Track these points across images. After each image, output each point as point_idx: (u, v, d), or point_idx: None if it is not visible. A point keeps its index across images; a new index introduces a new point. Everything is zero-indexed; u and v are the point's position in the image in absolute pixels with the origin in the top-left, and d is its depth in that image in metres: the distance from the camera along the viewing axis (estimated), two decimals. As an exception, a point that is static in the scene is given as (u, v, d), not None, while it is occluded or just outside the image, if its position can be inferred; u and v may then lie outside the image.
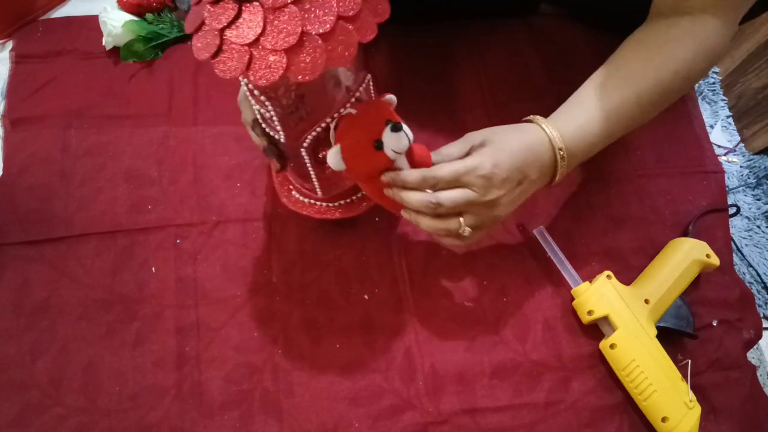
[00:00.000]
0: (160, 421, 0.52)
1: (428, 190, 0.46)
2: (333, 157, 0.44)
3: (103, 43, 0.68)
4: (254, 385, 0.54)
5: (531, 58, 0.72)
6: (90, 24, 0.70)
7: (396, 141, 0.44)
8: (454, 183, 0.46)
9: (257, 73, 0.35)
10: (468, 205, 0.46)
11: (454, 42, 0.72)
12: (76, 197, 0.61)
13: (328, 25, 0.35)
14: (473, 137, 0.48)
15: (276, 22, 0.35)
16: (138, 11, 0.70)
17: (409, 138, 0.44)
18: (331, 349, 0.56)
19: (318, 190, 0.53)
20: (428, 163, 0.48)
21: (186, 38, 0.71)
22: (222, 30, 0.35)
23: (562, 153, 0.48)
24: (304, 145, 0.46)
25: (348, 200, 0.56)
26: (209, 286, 0.58)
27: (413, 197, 0.46)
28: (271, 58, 0.35)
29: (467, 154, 0.48)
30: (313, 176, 0.50)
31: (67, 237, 0.59)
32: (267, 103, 0.42)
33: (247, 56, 0.35)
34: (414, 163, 0.47)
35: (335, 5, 0.35)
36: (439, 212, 0.46)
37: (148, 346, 0.55)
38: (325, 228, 0.60)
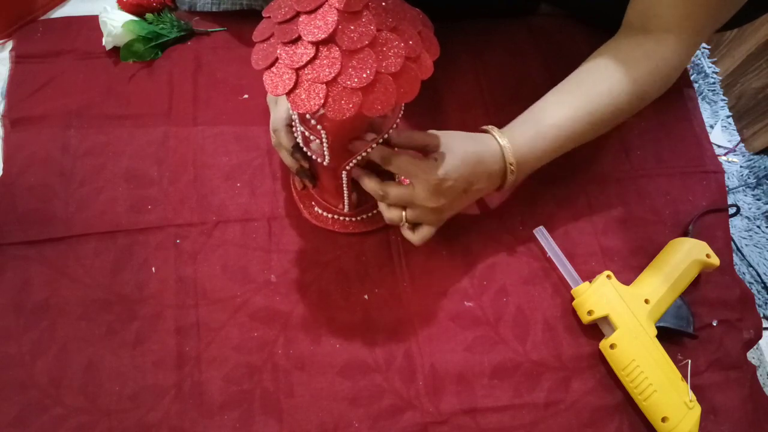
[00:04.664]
0: (160, 421, 0.52)
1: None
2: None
3: (103, 43, 0.68)
4: (254, 385, 0.54)
5: (531, 58, 0.72)
6: (90, 24, 0.70)
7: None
8: (404, 170, 0.49)
9: (334, 108, 0.37)
10: (411, 203, 0.50)
11: (454, 42, 0.72)
12: (76, 197, 0.61)
13: (398, 66, 0.38)
14: (435, 135, 0.51)
15: (353, 62, 0.37)
16: (138, 11, 0.70)
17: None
18: (331, 349, 0.56)
19: (346, 207, 0.56)
20: None
21: (186, 38, 0.71)
22: (298, 69, 0.38)
23: (512, 167, 0.52)
24: (347, 168, 0.49)
25: (370, 214, 0.59)
26: (209, 286, 0.58)
27: (368, 182, 0.51)
28: (348, 95, 0.37)
29: (423, 147, 0.51)
30: (345, 194, 0.54)
31: (67, 237, 0.59)
32: (323, 132, 0.45)
33: (324, 93, 0.37)
34: None
35: (403, 48, 0.38)
36: (385, 201, 0.52)
37: (148, 346, 0.55)
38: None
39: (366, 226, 0.59)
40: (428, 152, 0.50)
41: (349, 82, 0.37)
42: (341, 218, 0.59)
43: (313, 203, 0.60)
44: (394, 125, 0.48)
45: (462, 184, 0.50)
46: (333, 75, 0.37)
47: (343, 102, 0.37)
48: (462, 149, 0.50)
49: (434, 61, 0.41)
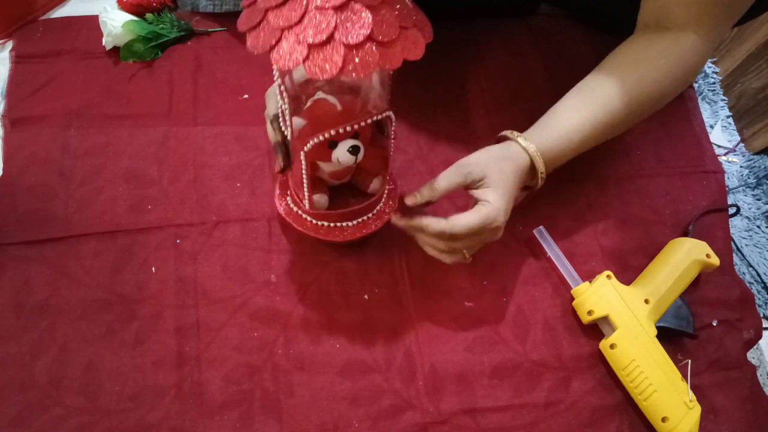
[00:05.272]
0: (160, 421, 0.52)
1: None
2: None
3: (103, 43, 0.68)
4: (254, 385, 0.54)
5: (531, 58, 0.72)
6: (90, 24, 0.70)
7: (345, 157, 0.48)
8: (469, 234, 0.49)
9: (314, 66, 0.37)
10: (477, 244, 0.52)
11: (454, 42, 0.72)
12: (76, 197, 0.61)
13: (393, 35, 0.37)
14: (470, 170, 0.50)
15: (346, 23, 0.37)
16: (138, 11, 0.70)
17: (357, 160, 0.48)
18: (331, 349, 0.56)
19: (306, 201, 0.53)
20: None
21: (186, 38, 0.71)
22: (284, 29, 0.37)
23: (542, 175, 0.53)
24: (305, 149, 0.47)
25: (332, 224, 0.55)
26: (209, 286, 0.58)
27: (429, 242, 0.52)
28: (330, 55, 0.37)
29: (467, 185, 0.51)
30: (305, 184, 0.51)
31: (67, 237, 0.59)
32: (284, 93, 0.44)
33: (306, 52, 0.37)
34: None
35: (397, 18, 0.38)
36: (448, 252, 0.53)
37: (148, 346, 0.55)
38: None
39: (324, 235, 0.55)
40: (469, 188, 0.51)
41: (337, 37, 0.37)
42: (306, 217, 0.55)
43: (288, 194, 0.57)
44: (380, 117, 0.47)
45: (507, 215, 0.51)
46: (325, 35, 0.36)
47: (323, 61, 0.37)
48: (504, 177, 0.50)
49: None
